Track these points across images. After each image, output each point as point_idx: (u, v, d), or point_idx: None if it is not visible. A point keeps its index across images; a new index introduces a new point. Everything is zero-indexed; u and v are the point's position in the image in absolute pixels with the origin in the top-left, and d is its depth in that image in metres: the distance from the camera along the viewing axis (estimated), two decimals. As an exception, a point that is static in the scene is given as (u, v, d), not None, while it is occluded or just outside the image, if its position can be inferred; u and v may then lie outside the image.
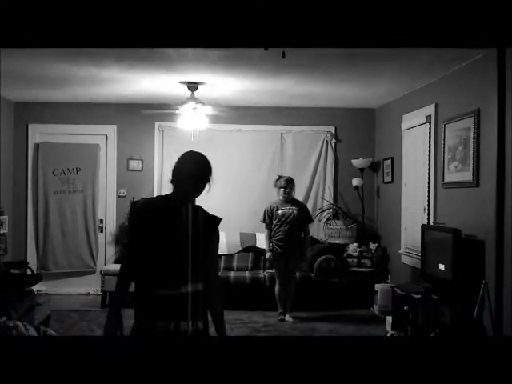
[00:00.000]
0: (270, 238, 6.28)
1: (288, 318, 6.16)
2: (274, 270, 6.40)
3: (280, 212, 6.15)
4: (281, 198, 6.18)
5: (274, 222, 6.19)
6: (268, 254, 6.28)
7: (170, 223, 2.71)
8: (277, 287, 6.25)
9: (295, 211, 6.14)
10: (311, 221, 6.47)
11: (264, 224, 6.32)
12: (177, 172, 2.76)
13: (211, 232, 2.77)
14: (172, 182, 2.77)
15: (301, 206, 6.32)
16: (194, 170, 2.74)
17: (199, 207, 2.79)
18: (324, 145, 7.86)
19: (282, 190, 6.15)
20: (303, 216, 6.23)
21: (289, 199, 6.18)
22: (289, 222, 6.12)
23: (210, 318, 2.83)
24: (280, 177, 6.31)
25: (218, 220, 2.80)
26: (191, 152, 2.84)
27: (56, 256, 7.66)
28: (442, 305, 4.72)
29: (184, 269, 2.68)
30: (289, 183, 6.16)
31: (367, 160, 7.63)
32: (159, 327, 2.67)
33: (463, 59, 5.04)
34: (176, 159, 2.81)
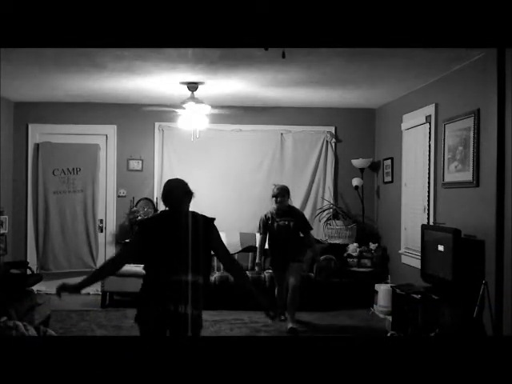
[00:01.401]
0: (262, 248, 6.11)
1: (290, 325, 5.90)
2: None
3: (275, 225, 5.94)
4: (274, 206, 5.99)
5: (269, 235, 6.01)
6: (257, 268, 6.18)
7: (170, 228, 3.42)
8: (276, 290, 6.18)
9: (291, 223, 5.92)
10: (310, 228, 6.19)
11: (260, 229, 6.12)
12: (164, 197, 3.51)
13: (210, 228, 3.47)
14: (164, 202, 3.52)
15: (297, 216, 6.04)
16: (176, 193, 3.46)
17: (193, 212, 3.48)
18: (324, 145, 7.86)
19: (274, 199, 5.96)
20: (300, 225, 5.98)
21: (283, 207, 5.95)
22: (284, 234, 5.92)
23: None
24: (275, 185, 6.08)
25: (211, 218, 3.50)
26: (170, 180, 3.60)
27: (56, 256, 7.65)
28: (442, 305, 4.72)
29: (184, 262, 3.29)
30: (281, 191, 5.91)
31: (367, 160, 7.63)
32: (161, 308, 3.31)
33: (463, 59, 5.04)
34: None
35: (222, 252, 3.52)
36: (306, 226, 6.07)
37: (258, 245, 6.26)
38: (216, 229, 3.50)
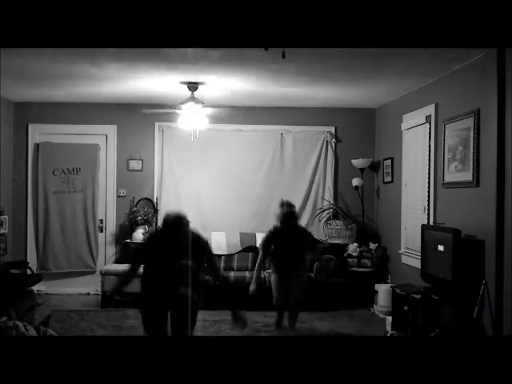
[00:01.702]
0: (261, 266, 5.95)
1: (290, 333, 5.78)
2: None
3: (280, 243, 5.80)
4: (280, 226, 5.85)
5: (275, 248, 5.85)
6: (251, 288, 5.86)
7: (173, 235, 4.11)
8: (275, 297, 6.01)
9: (297, 240, 5.80)
10: (316, 243, 6.15)
11: (260, 249, 5.95)
12: (166, 227, 4.18)
13: (205, 245, 4.20)
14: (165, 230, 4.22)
15: (303, 235, 5.92)
16: (175, 223, 4.12)
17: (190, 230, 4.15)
18: (324, 145, 7.86)
19: (280, 222, 5.81)
20: (306, 243, 5.88)
21: (290, 227, 5.84)
22: (290, 250, 5.76)
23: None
24: (283, 204, 5.91)
25: (205, 239, 4.27)
26: (169, 214, 4.25)
27: (56, 256, 7.65)
28: (442, 305, 4.72)
29: (184, 253, 3.95)
30: (288, 216, 5.78)
31: (367, 160, 7.63)
32: (162, 293, 3.90)
33: (463, 59, 5.04)
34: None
35: (212, 265, 4.32)
36: (311, 242, 5.99)
37: (256, 265, 5.98)
38: (210, 247, 4.29)
